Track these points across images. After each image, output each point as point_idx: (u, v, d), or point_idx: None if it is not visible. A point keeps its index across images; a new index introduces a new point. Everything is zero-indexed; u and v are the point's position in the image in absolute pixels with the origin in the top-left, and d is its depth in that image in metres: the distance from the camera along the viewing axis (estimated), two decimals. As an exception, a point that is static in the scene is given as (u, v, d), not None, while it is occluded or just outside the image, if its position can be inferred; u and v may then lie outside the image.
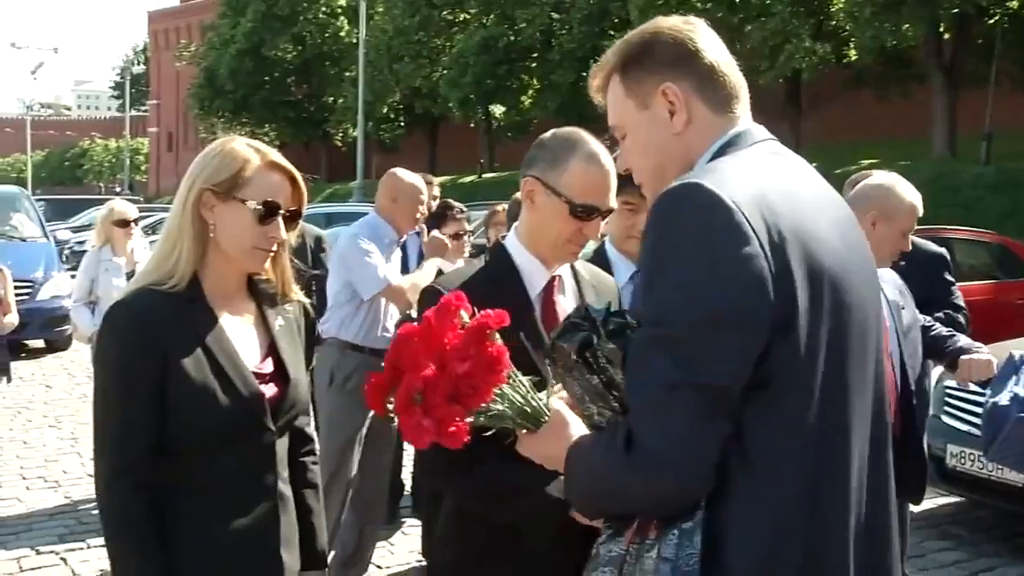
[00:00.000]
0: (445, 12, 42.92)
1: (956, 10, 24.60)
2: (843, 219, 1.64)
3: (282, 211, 2.16)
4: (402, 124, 47.82)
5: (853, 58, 29.24)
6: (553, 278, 2.31)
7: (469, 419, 1.60)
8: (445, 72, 40.44)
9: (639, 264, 1.55)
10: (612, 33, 34.98)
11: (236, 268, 2.21)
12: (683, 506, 1.46)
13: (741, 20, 29.75)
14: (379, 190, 4.91)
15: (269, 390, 2.20)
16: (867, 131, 32.74)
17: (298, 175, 2.21)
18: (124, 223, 6.34)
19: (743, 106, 1.69)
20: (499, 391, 1.62)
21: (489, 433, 1.68)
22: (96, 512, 6.03)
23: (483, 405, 1.61)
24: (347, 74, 47.06)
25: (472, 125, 43.36)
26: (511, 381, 1.64)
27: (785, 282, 1.44)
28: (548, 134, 2.32)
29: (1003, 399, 4.05)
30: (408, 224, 4.89)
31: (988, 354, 3.71)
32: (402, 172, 4.93)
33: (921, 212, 3.55)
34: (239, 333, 2.20)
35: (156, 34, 79.68)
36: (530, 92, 39.77)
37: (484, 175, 40.23)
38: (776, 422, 1.46)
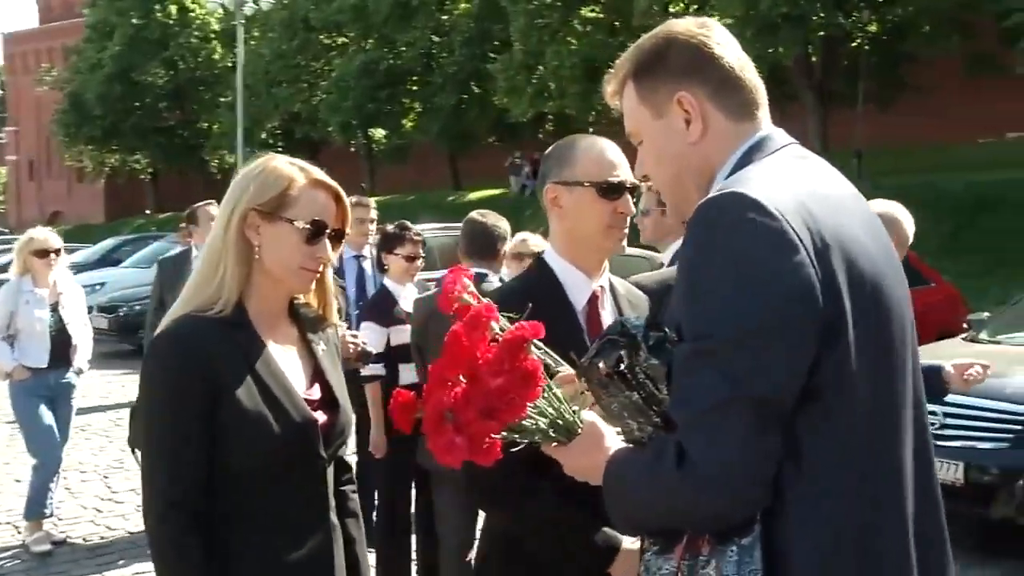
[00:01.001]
0: (324, 36, 42.59)
1: (822, 32, 25.82)
2: (872, 222, 1.62)
3: (328, 230, 2.11)
4: (281, 149, 46.89)
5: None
6: (595, 292, 2.30)
7: (501, 434, 1.54)
8: (325, 96, 40.06)
9: (677, 276, 1.51)
10: (493, 56, 35.31)
11: (281, 290, 2.15)
12: (738, 522, 1.43)
13: (622, 43, 30.33)
14: None
15: (320, 417, 2.13)
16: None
17: (343, 193, 2.15)
18: (44, 253, 6.04)
19: (763, 110, 1.66)
20: (533, 405, 1.57)
21: (517, 448, 1.63)
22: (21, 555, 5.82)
23: (517, 420, 1.55)
24: (222, 99, 46.04)
25: (353, 149, 43.02)
26: (545, 394, 1.58)
27: (832, 289, 1.41)
28: (548, 149, 2.36)
29: None
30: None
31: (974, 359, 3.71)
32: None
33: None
34: (286, 359, 2.14)
35: (13, 57, 76.11)
36: (411, 116, 39.73)
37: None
38: (829, 432, 1.43)
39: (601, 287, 2.32)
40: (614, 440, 1.60)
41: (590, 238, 2.26)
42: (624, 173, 2.26)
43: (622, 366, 1.50)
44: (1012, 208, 19.57)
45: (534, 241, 5.23)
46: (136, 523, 6.30)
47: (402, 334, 4.83)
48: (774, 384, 1.38)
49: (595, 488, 1.85)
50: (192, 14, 49.44)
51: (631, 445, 1.57)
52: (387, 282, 5.14)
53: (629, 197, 2.26)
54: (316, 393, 2.16)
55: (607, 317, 2.30)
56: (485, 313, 1.58)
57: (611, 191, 2.23)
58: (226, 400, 1.98)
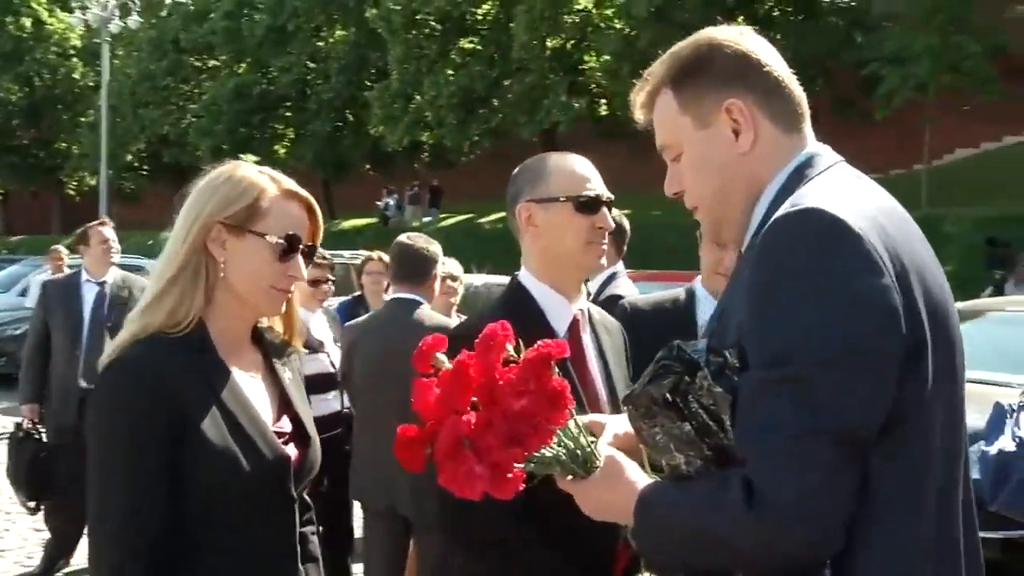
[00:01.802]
0: (194, 58, 41.43)
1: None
2: (928, 245, 1.55)
3: (302, 246, 1.92)
4: (147, 172, 45.36)
5: (603, 113, 30.80)
6: (576, 317, 2.22)
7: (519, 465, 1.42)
8: (195, 120, 38.91)
9: (746, 298, 1.40)
10: (370, 84, 35.10)
11: (247, 312, 1.95)
12: (809, 563, 1.33)
13: (500, 75, 30.68)
14: None
15: (290, 452, 1.95)
16: (620, 184, 34.32)
17: (316, 205, 1.98)
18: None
19: (808, 123, 1.58)
20: (563, 432, 1.46)
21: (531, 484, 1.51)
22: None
23: (543, 447, 1.43)
24: (83, 119, 44.13)
25: (223, 174, 41.82)
26: (571, 426, 1.48)
27: (913, 312, 1.35)
28: (515, 172, 2.27)
29: (1007, 446, 3.93)
30: None
31: None
32: None
33: None
34: (252, 388, 1.94)
35: None
36: (285, 141, 39.01)
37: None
38: (904, 466, 1.36)
39: (581, 311, 2.24)
40: (638, 474, 1.50)
41: (569, 255, 2.18)
42: (599, 187, 2.20)
43: (676, 394, 1.38)
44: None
45: (452, 265, 5.10)
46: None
47: (313, 363, 4.60)
48: (860, 415, 1.30)
49: (584, 541, 1.73)
50: (49, 27, 47.27)
51: (665, 480, 1.47)
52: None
53: (607, 211, 2.20)
54: (286, 426, 1.98)
55: (588, 343, 2.23)
56: (501, 332, 1.46)
57: (589, 205, 2.17)
58: (190, 434, 1.77)
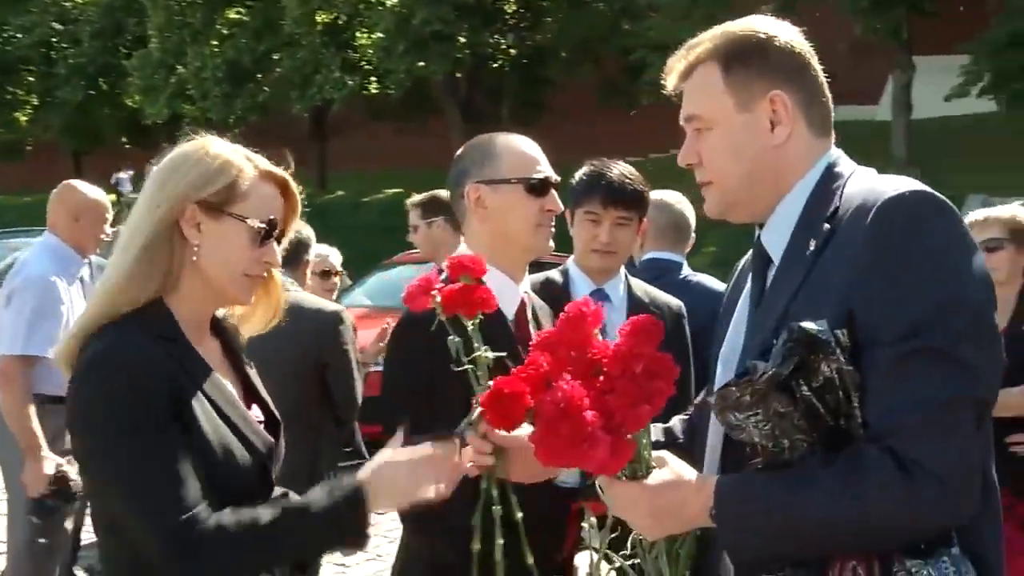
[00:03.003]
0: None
1: (468, 51, 26.95)
2: None
3: (277, 231, 1.83)
4: None
5: (375, 91, 30.51)
6: (523, 299, 2.22)
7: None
8: (-79, 81, 35.22)
9: (862, 278, 1.42)
10: (125, 50, 33.02)
11: (213, 299, 1.84)
12: (949, 526, 1.39)
13: (269, 48, 29.71)
14: (55, 207, 4.18)
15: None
16: (389, 161, 34.25)
17: (292, 186, 1.86)
18: None
19: (831, 127, 1.67)
20: None
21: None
22: None
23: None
24: None
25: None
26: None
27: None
28: (460, 150, 2.26)
29: None
30: (93, 247, 4.18)
31: None
32: (83, 186, 4.26)
33: None
34: (224, 377, 1.86)
35: None
36: (27, 108, 36.03)
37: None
38: (988, 438, 1.47)
39: (527, 293, 2.25)
40: (693, 472, 1.50)
41: (518, 238, 2.17)
42: (547, 169, 2.20)
43: (796, 375, 1.37)
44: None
45: (335, 256, 4.91)
46: None
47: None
48: (990, 383, 1.41)
49: (538, 520, 1.83)
50: None
51: (749, 471, 1.45)
52: None
53: (555, 194, 2.20)
54: (258, 413, 1.92)
55: (532, 327, 2.22)
56: (588, 309, 1.52)
57: (539, 188, 2.17)
58: (185, 429, 1.67)
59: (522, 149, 2.20)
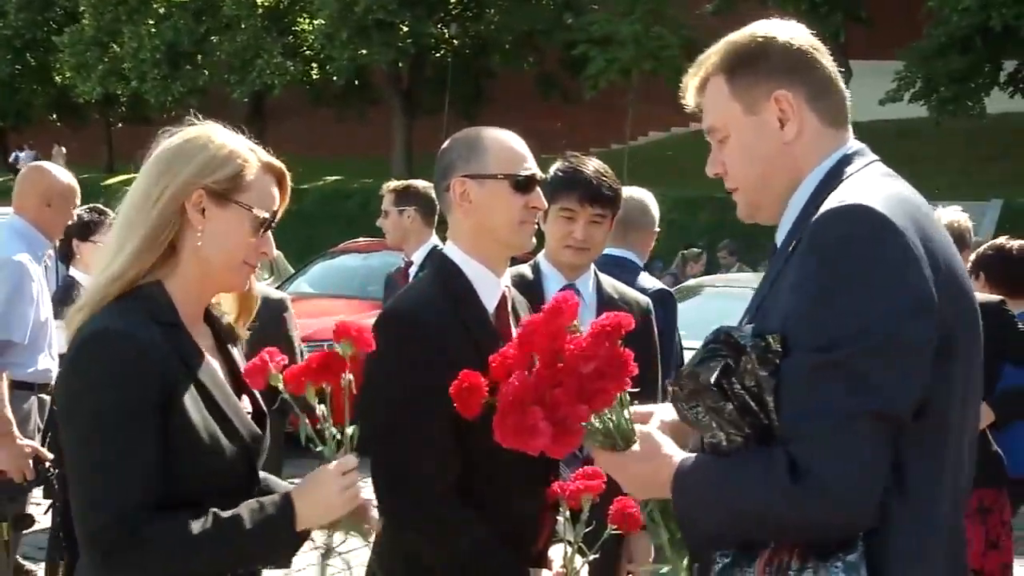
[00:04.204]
0: None
1: (411, 40, 26.85)
2: (948, 234, 1.65)
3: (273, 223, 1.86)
4: None
5: (315, 77, 30.21)
6: (504, 293, 2.23)
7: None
8: None
9: (794, 287, 1.49)
10: (55, 25, 32.23)
11: (211, 286, 1.86)
12: (844, 536, 1.44)
13: (209, 31, 29.23)
14: (24, 190, 4.04)
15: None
16: (329, 148, 33.98)
17: (287, 177, 1.89)
18: None
19: (847, 120, 1.68)
20: (620, 399, 1.58)
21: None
22: None
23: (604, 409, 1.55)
24: None
25: None
26: (624, 398, 1.60)
27: (946, 308, 1.46)
28: (446, 143, 2.27)
29: None
30: (60, 231, 4.09)
31: None
32: (55, 169, 4.15)
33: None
34: (216, 365, 1.86)
35: None
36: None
37: None
38: (930, 451, 1.48)
39: (507, 287, 2.25)
40: (674, 450, 1.59)
41: (500, 233, 2.16)
42: (533, 166, 2.20)
43: (723, 376, 1.46)
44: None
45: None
46: None
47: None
48: (900, 398, 1.41)
49: (513, 514, 1.97)
50: None
51: (703, 455, 1.54)
52: (75, 272, 4.53)
53: (540, 191, 2.20)
54: (247, 404, 1.91)
55: (513, 320, 2.22)
56: (569, 302, 1.62)
57: (525, 184, 2.16)
58: (175, 414, 1.68)
59: (510, 145, 2.19)
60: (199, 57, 30.30)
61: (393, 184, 4.79)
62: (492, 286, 2.19)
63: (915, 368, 1.42)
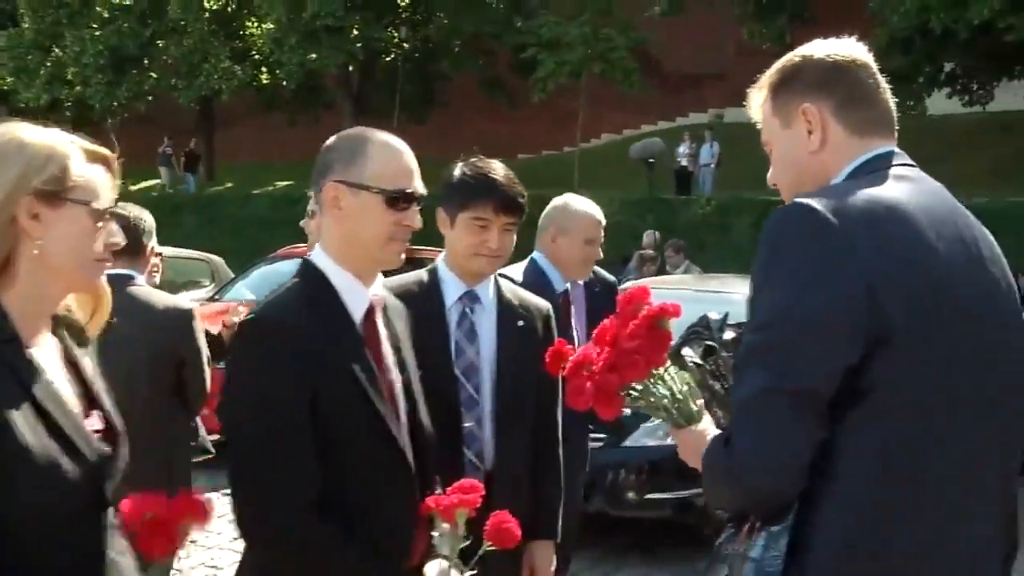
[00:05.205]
0: None
1: (360, 44, 26.75)
2: (972, 239, 1.68)
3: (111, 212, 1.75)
4: None
5: (266, 82, 29.96)
6: (373, 302, 2.13)
7: (632, 396, 1.76)
8: None
9: (751, 275, 1.62)
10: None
11: (57, 291, 1.73)
12: (778, 506, 1.56)
13: (154, 35, 28.86)
14: None
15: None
16: (280, 153, 33.70)
17: (115, 162, 1.78)
18: None
19: (887, 129, 1.77)
20: (657, 374, 1.74)
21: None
22: None
23: (641, 386, 1.74)
24: None
25: None
26: (675, 376, 1.75)
27: (888, 299, 1.52)
28: (331, 139, 2.14)
29: None
30: None
31: None
32: None
33: (600, 221, 3.84)
34: (59, 381, 1.71)
35: None
36: None
37: None
38: (869, 434, 1.53)
39: (376, 296, 2.15)
40: (713, 431, 1.74)
41: (367, 248, 2.07)
42: (416, 182, 2.10)
43: (708, 359, 1.66)
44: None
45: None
46: None
47: None
48: (808, 375, 1.51)
49: (385, 533, 1.96)
50: None
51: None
52: None
53: (416, 209, 2.10)
54: (97, 422, 1.76)
55: (382, 329, 2.15)
56: (643, 294, 1.81)
57: (401, 201, 2.05)
58: (6, 439, 1.54)
59: (393, 156, 2.08)
60: (145, 61, 29.88)
61: None
62: (360, 295, 2.10)
63: (824, 349, 1.51)
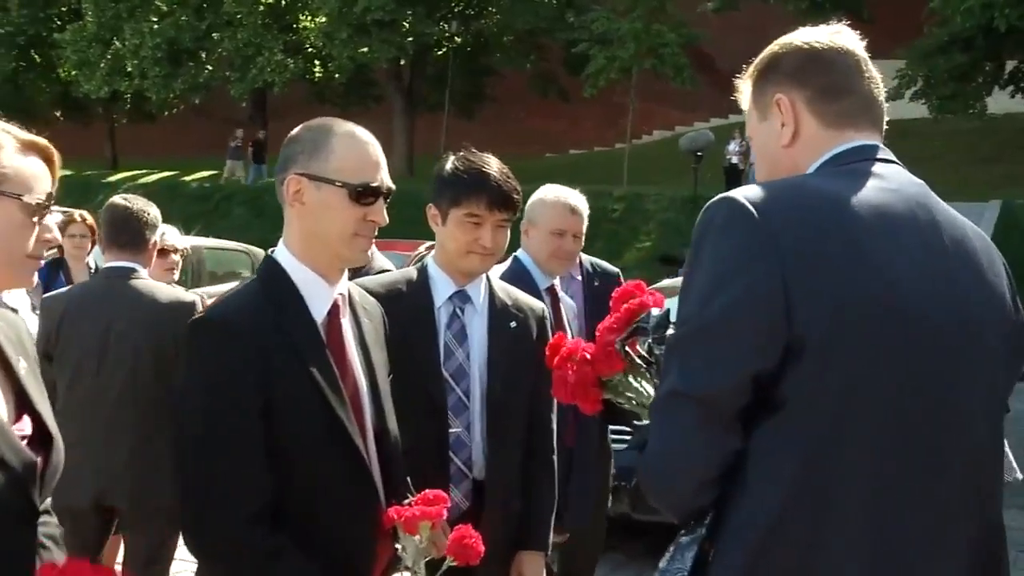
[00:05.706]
0: None
1: (411, 38, 26.81)
2: (939, 243, 1.52)
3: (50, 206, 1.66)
4: None
5: (318, 75, 30.17)
6: (336, 301, 2.04)
7: (608, 391, 1.72)
8: None
9: None
10: (59, 22, 32.24)
11: None
12: (686, 513, 1.50)
13: (210, 28, 29.21)
14: None
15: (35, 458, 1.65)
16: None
17: (55, 154, 1.69)
18: None
19: (870, 122, 1.63)
20: (637, 381, 1.69)
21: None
22: None
23: (616, 378, 1.69)
24: None
25: None
26: (641, 371, 1.70)
27: (807, 304, 1.39)
28: (296, 130, 2.05)
29: None
30: None
31: None
32: None
33: (574, 210, 3.51)
34: None
35: None
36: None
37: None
38: (779, 448, 1.42)
39: (341, 295, 2.06)
40: None
41: (330, 244, 1.98)
42: (382, 176, 2.01)
43: (651, 352, 1.63)
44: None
45: (172, 235, 4.71)
46: None
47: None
48: (715, 382, 1.42)
49: (341, 546, 1.88)
50: None
51: None
52: None
53: (383, 204, 2.02)
54: (26, 427, 1.67)
55: (348, 328, 2.07)
56: (637, 289, 1.77)
57: (366, 195, 1.97)
58: None
59: (358, 149, 1.99)
60: (201, 54, 30.27)
61: None
62: (322, 294, 2.01)
63: (732, 353, 1.42)
